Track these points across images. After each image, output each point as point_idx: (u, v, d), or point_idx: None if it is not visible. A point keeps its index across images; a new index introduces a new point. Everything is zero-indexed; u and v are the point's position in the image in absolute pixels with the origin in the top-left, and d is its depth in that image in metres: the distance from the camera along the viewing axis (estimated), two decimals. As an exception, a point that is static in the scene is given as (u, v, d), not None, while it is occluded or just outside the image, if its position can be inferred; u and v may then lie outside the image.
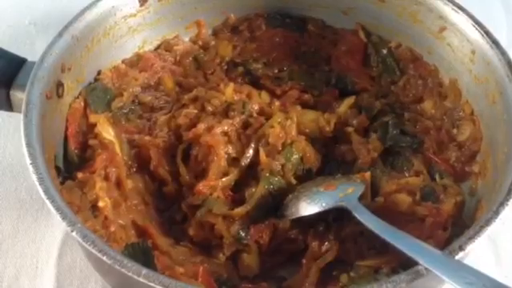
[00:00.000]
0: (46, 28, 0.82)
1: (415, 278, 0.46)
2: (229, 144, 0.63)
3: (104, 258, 0.44)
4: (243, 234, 0.58)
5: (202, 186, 0.60)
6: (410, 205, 0.57)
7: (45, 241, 0.65)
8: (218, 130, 0.63)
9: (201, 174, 0.62)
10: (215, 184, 0.60)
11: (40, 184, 0.49)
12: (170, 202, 0.63)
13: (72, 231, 0.46)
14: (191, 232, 0.60)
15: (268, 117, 0.66)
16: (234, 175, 0.61)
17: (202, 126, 0.63)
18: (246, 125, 0.65)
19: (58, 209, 0.47)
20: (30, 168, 0.50)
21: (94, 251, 0.44)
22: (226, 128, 0.63)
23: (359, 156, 0.64)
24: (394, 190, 0.59)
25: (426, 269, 0.47)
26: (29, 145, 0.52)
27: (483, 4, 0.83)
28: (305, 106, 0.69)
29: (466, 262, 0.55)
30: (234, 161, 0.62)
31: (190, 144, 0.64)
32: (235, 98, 0.67)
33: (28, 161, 0.51)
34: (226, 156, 0.62)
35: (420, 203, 0.58)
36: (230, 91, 0.67)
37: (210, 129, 0.63)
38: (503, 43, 0.62)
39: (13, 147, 0.72)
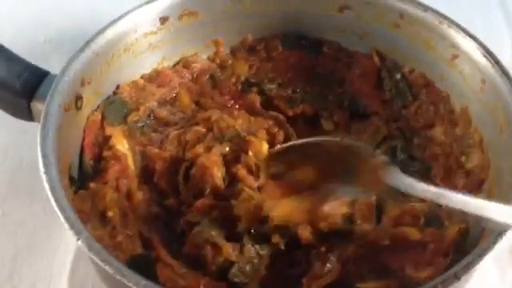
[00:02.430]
0: (60, 45, 0.85)
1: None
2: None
3: (107, 268, 0.45)
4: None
5: (200, 204, 0.62)
6: (416, 234, 0.57)
7: (58, 255, 0.67)
8: (215, 150, 0.64)
9: (199, 193, 0.63)
10: (212, 203, 0.61)
11: (52, 194, 0.51)
12: (172, 214, 0.64)
13: (78, 240, 0.48)
14: (186, 249, 0.60)
15: None
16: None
17: (201, 147, 0.65)
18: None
19: (66, 218, 0.49)
20: (44, 177, 0.52)
21: (98, 261, 0.46)
22: (226, 150, 0.65)
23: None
24: (398, 215, 0.60)
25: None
26: (44, 156, 0.54)
27: (487, 23, 0.85)
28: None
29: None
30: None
31: (191, 163, 0.65)
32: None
33: (42, 170, 0.53)
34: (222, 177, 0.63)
35: (423, 229, 0.59)
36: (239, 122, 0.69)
37: (208, 149, 0.65)
38: (507, 62, 0.63)
39: (27, 163, 0.74)
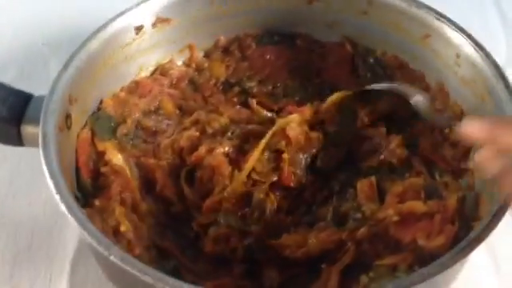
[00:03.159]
0: (58, 48, 0.83)
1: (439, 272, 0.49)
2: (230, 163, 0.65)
3: (145, 279, 0.45)
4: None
5: (209, 203, 0.62)
6: (422, 207, 0.60)
7: (58, 256, 0.67)
8: (218, 150, 0.65)
9: (206, 195, 0.64)
10: (221, 197, 0.62)
11: (70, 214, 0.50)
12: (180, 221, 0.65)
13: (109, 256, 0.47)
14: (207, 248, 0.61)
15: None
16: (237, 184, 0.63)
17: (203, 149, 0.65)
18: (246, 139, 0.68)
19: (93, 235, 0.48)
20: (57, 198, 0.51)
21: (135, 272, 0.46)
22: (226, 149, 0.65)
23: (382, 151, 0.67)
24: (401, 192, 0.62)
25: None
26: (52, 176, 0.53)
27: (482, 24, 0.89)
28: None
29: (465, 271, 0.59)
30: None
31: (193, 166, 0.66)
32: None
33: (54, 191, 0.52)
34: (229, 174, 0.64)
35: (426, 202, 0.61)
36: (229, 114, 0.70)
37: (210, 151, 0.65)
38: (502, 61, 0.66)
39: (26, 164, 0.74)
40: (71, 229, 0.47)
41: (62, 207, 0.50)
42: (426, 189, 0.63)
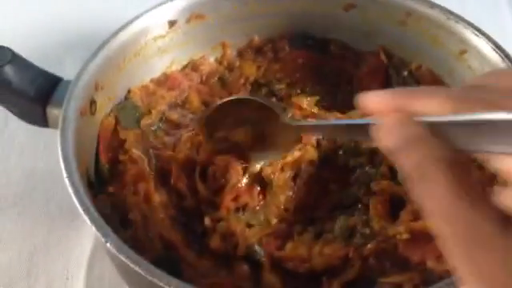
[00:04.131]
0: (74, 49, 0.85)
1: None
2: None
3: (137, 269, 0.46)
4: (257, 248, 0.60)
5: (227, 202, 0.62)
6: None
7: (75, 254, 0.68)
8: None
9: (219, 190, 0.64)
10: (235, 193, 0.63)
11: (76, 196, 0.51)
12: (190, 215, 0.65)
13: (106, 242, 0.48)
14: (212, 244, 0.61)
15: None
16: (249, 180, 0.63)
17: None
18: None
19: (93, 220, 0.49)
20: (66, 181, 0.52)
21: (128, 262, 0.46)
22: None
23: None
24: (416, 209, 0.60)
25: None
26: (65, 159, 0.54)
27: (496, 26, 0.84)
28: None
29: None
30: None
31: (206, 162, 0.66)
32: None
33: (64, 174, 0.53)
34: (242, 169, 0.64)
35: None
36: None
37: None
38: None
39: (43, 163, 0.75)
40: (88, 227, 0.48)
41: (70, 190, 0.51)
42: None
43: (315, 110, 0.69)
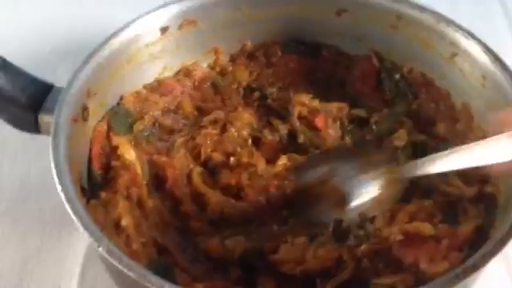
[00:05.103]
0: (66, 56, 0.85)
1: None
2: None
3: (130, 273, 0.45)
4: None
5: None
6: (430, 230, 0.58)
7: (67, 261, 0.67)
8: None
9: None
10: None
11: (68, 202, 0.51)
12: (186, 221, 0.65)
13: (99, 247, 0.48)
14: (209, 247, 0.61)
15: None
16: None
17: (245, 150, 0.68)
18: None
19: (85, 226, 0.49)
20: (58, 187, 0.52)
21: (120, 267, 0.46)
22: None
23: None
24: (414, 211, 0.60)
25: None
26: (57, 166, 0.54)
27: (490, 30, 0.85)
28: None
29: (479, 281, 0.56)
30: None
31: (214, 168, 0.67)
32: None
33: (56, 180, 0.53)
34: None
35: (437, 225, 0.59)
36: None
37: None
38: (510, 64, 0.64)
39: (36, 170, 0.75)
40: (81, 234, 0.48)
41: (61, 196, 0.51)
42: (444, 212, 0.61)
43: (316, 103, 0.71)
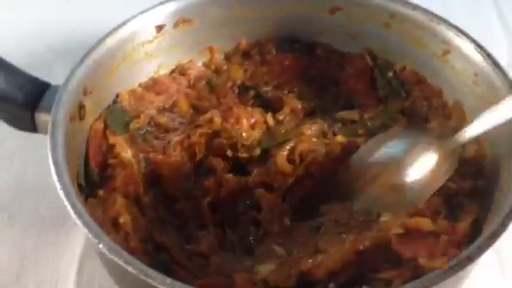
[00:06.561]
0: (62, 54, 0.86)
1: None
2: None
3: (131, 270, 0.46)
4: None
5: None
6: (429, 225, 0.58)
7: (64, 258, 0.68)
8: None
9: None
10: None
11: (67, 200, 0.51)
12: (182, 218, 0.65)
13: (99, 244, 0.48)
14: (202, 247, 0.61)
15: None
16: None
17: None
18: None
19: (85, 223, 0.50)
20: (58, 185, 0.53)
21: (121, 263, 0.46)
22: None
23: None
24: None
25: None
26: (55, 163, 0.54)
27: (483, 29, 0.86)
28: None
29: (471, 274, 0.57)
30: None
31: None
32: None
33: (55, 178, 0.53)
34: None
35: (436, 220, 0.59)
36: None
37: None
38: (504, 64, 0.65)
39: (33, 168, 0.76)
40: (78, 231, 0.48)
41: (60, 193, 0.51)
42: (448, 207, 0.61)
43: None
